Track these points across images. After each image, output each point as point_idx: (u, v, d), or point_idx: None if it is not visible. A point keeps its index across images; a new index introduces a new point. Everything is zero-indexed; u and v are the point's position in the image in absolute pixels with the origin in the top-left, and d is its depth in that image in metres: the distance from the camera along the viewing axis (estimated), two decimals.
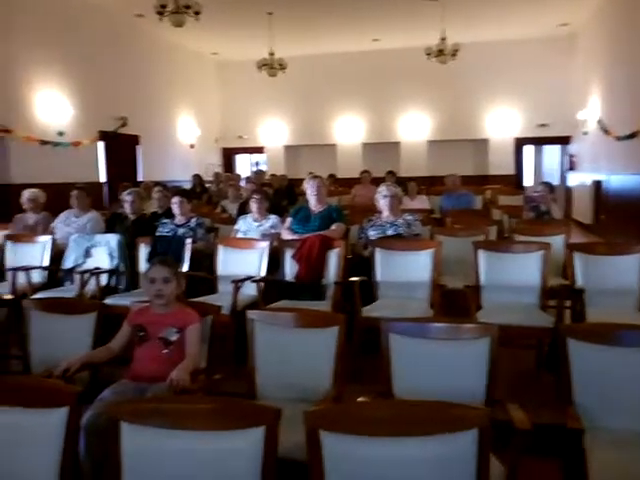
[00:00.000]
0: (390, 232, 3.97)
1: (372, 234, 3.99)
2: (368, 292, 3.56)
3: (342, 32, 10.76)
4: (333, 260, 3.73)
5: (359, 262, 3.89)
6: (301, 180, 7.88)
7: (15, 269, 4.14)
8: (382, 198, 4.06)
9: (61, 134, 8.11)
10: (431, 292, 3.47)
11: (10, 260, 4.48)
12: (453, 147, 12.12)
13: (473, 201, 6.96)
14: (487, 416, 1.46)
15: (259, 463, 1.48)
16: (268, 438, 1.46)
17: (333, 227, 4.03)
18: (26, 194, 5.12)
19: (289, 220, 4.28)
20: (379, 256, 3.61)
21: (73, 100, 8.40)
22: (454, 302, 3.54)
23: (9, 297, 3.10)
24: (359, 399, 1.98)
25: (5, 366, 2.75)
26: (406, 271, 3.53)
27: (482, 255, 3.47)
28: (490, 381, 2.10)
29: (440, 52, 9.11)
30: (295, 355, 2.33)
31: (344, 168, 12.04)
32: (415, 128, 12.35)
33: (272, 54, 9.90)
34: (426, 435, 1.44)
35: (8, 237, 4.61)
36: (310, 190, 4.23)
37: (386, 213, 4.09)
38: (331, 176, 9.88)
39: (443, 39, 9.06)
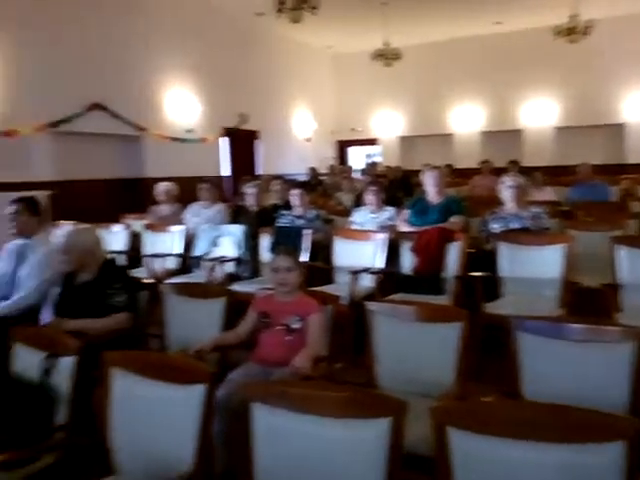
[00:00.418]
0: (515, 225, 3.76)
1: (495, 227, 3.81)
2: (489, 288, 3.41)
3: (461, 17, 10.34)
4: (453, 253, 3.62)
5: (480, 256, 3.74)
6: (416, 171, 7.73)
7: (152, 256, 4.54)
8: (506, 189, 3.86)
9: (189, 131, 8.71)
10: (561, 290, 3.24)
11: (147, 247, 4.92)
12: (582, 134, 11.16)
13: (607, 192, 6.36)
14: (637, 428, 1.33)
15: (384, 454, 1.47)
16: (395, 430, 1.45)
17: (453, 219, 3.91)
18: (161, 187, 5.57)
19: (406, 212, 4.22)
20: (504, 250, 3.44)
21: (200, 99, 8.97)
22: (586, 302, 3.28)
23: (150, 281, 3.38)
24: (485, 398, 1.90)
25: (145, 344, 3.00)
26: (534, 267, 3.32)
27: (622, 252, 3.16)
28: (635, 390, 1.91)
29: (570, 30, 8.40)
30: (415, 349, 2.29)
31: (461, 158, 11.60)
32: (540, 114, 11.54)
33: (387, 44, 9.79)
34: (564, 442, 1.34)
35: (147, 226, 5.06)
36: (429, 181, 4.14)
37: (510, 205, 3.88)
38: (448, 166, 9.58)
39: (574, 16, 8.35)
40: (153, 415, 1.79)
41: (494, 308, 3.16)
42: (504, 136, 11.67)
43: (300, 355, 2.26)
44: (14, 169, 6.15)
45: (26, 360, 2.17)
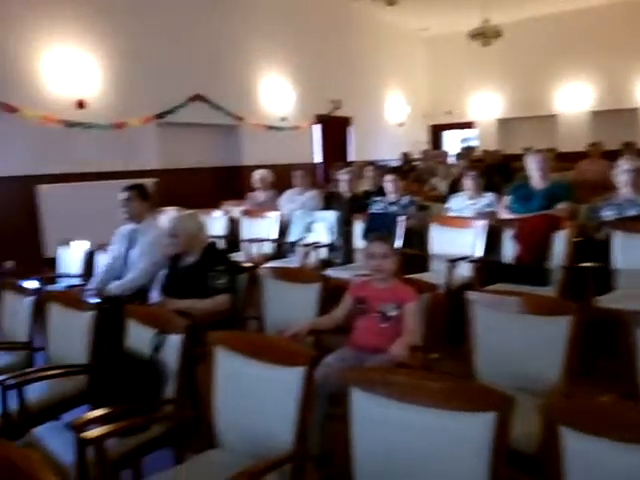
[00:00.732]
0: (631, 212, 3.46)
1: (608, 214, 3.52)
2: (599, 280, 3.16)
3: None
4: (559, 242, 3.39)
5: (588, 246, 3.48)
6: (515, 156, 7.34)
7: (249, 240, 4.70)
8: (622, 173, 3.55)
9: (283, 119, 8.87)
10: None
11: (244, 232, 5.10)
12: None
13: None
14: None
15: (488, 449, 1.41)
16: (500, 425, 1.38)
17: (560, 206, 3.66)
18: (257, 175, 5.74)
19: (508, 198, 4.01)
20: (619, 240, 3.16)
21: (294, 86, 9.09)
22: None
23: (250, 264, 3.49)
24: (601, 398, 1.75)
25: (244, 325, 3.10)
26: None
27: None
28: None
29: None
30: (518, 342, 2.18)
31: (565, 141, 10.83)
32: None
33: (487, 21, 9.31)
34: None
35: (244, 212, 5.25)
36: (533, 165, 3.90)
37: (625, 190, 3.57)
38: (551, 150, 8.99)
39: None
40: (254, 394, 1.84)
41: (607, 302, 2.92)
42: (616, 116, 10.71)
43: (397, 343, 2.23)
44: (124, 158, 6.61)
45: (138, 336, 2.31)
